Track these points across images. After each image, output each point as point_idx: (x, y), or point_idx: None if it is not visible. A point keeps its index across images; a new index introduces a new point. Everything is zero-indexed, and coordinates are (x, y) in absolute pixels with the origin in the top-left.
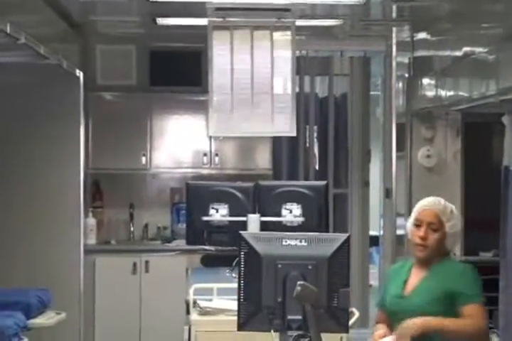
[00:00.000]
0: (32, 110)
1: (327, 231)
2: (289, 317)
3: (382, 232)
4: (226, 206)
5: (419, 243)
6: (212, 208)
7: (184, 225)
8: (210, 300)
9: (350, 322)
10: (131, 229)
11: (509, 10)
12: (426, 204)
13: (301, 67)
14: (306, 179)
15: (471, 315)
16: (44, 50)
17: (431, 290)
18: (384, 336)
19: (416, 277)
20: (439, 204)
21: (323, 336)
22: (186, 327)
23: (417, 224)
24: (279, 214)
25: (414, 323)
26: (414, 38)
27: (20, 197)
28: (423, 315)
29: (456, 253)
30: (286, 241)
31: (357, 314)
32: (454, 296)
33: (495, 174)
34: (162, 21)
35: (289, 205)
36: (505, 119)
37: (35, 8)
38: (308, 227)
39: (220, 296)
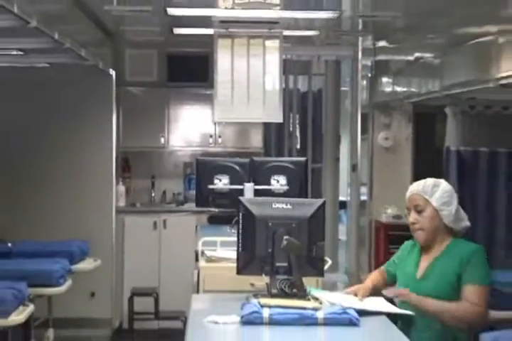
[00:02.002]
0: (75, 101)
1: (306, 197)
2: (277, 264)
3: (349, 198)
4: (227, 177)
5: (412, 228)
6: (216, 178)
7: (194, 191)
8: (215, 250)
9: (325, 268)
10: (152, 194)
11: (450, 24)
12: (409, 190)
13: (287, 68)
14: (290, 156)
15: (467, 297)
16: (84, 53)
17: (443, 274)
18: (354, 291)
19: (426, 260)
20: (418, 185)
21: (304, 279)
22: (196, 272)
23: (408, 212)
24: (268, 184)
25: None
26: (376, 46)
27: (68, 170)
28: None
29: None
30: (275, 205)
31: (329, 262)
32: (460, 281)
33: (438, 153)
34: (177, 31)
35: (276, 176)
36: (447, 110)
37: (78, 19)
38: (292, 194)
39: (223, 247)
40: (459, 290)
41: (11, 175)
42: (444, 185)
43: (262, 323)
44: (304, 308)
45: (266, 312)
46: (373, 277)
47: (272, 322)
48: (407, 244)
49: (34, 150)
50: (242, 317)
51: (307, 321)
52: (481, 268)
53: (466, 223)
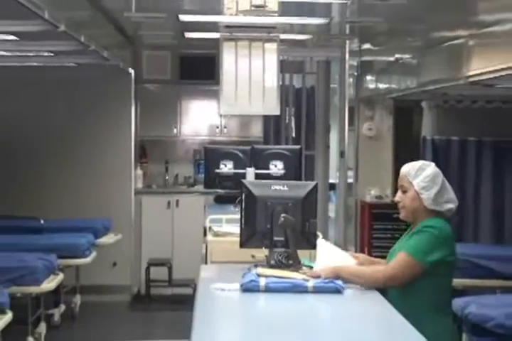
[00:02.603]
0: (99, 96)
1: (301, 180)
2: (275, 238)
3: (337, 181)
4: (231, 162)
5: (398, 206)
6: (222, 163)
7: (202, 175)
8: (221, 226)
9: (317, 241)
10: (166, 177)
11: (426, 28)
12: (402, 170)
13: (283, 67)
14: (286, 144)
15: (392, 261)
16: (107, 54)
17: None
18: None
19: (407, 238)
20: (407, 166)
21: (298, 252)
22: (204, 245)
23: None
24: (267, 168)
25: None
26: (361, 48)
27: (93, 157)
28: None
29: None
30: (273, 187)
31: (321, 236)
32: None
33: (416, 141)
34: (188, 35)
35: (274, 162)
36: (423, 104)
37: (101, 24)
38: (288, 177)
39: (228, 224)
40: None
41: (46, 161)
42: (428, 169)
43: (258, 291)
44: (295, 278)
45: (262, 281)
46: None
47: (268, 289)
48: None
49: (63, 139)
50: (241, 285)
51: (299, 289)
52: (421, 242)
53: (450, 205)
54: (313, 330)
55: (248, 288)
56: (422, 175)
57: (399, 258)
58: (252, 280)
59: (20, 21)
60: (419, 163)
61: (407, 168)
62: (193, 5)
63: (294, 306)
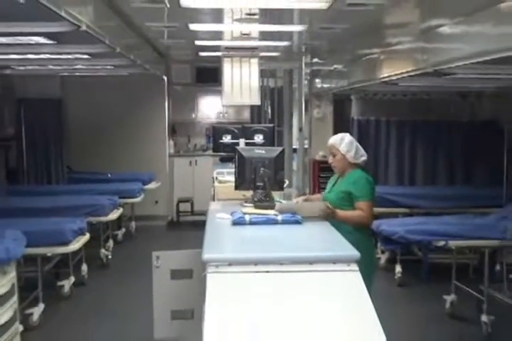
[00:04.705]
0: (144, 94)
1: (273, 146)
2: (257, 184)
3: (298, 146)
4: (230, 135)
5: (331, 166)
6: (224, 136)
7: (211, 144)
8: (223, 176)
9: (284, 186)
10: (189, 146)
11: (353, 47)
12: (328, 142)
13: (262, 74)
14: (265, 123)
15: (359, 208)
16: (149, 66)
17: (337, 191)
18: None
19: (338, 183)
20: (332, 139)
21: (273, 193)
22: (212, 188)
23: (328, 155)
24: (253, 139)
25: (324, 207)
26: (312, 61)
27: (143, 133)
28: (336, 207)
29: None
30: (256, 150)
31: (287, 182)
32: (351, 195)
33: (346, 121)
34: (202, 53)
35: (257, 135)
36: (352, 97)
37: (144, 47)
38: (266, 144)
39: (227, 175)
40: (349, 200)
41: (113, 136)
42: (346, 138)
43: (245, 224)
44: (270, 215)
45: (247, 217)
46: (313, 197)
47: (251, 223)
48: (333, 176)
49: (124, 121)
50: (233, 221)
51: (272, 221)
52: (364, 188)
53: (363, 158)
54: (280, 243)
55: (238, 222)
56: (343, 142)
57: (365, 205)
58: (240, 217)
59: (91, 45)
60: (339, 135)
61: (333, 140)
62: (204, 34)
63: (268, 232)
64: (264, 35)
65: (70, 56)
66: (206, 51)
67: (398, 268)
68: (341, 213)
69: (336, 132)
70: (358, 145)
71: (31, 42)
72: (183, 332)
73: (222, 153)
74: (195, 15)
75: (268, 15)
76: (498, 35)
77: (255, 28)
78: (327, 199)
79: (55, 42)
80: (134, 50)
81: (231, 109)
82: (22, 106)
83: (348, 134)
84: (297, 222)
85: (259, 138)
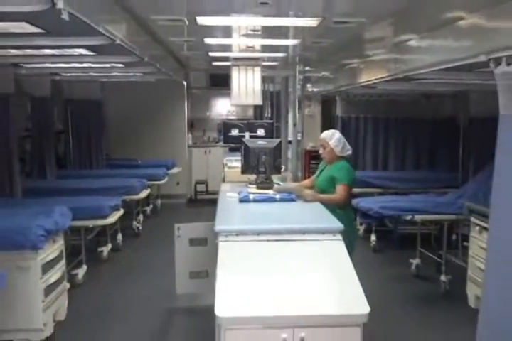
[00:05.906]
0: (168, 97)
1: (272, 138)
2: (260, 169)
3: (292, 138)
4: (237, 129)
5: (321, 156)
6: (232, 130)
7: (222, 137)
8: (232, 163)
9: (281, 170)
10: (204, 138)
11: (338, 58)
12: (320, 136)
13: (264, 80)
14: (266, 119)
15: (338, 190)
16: (172, 74)
17: (325, 176)
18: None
19: (325, 170)
20: (324, 133)
21: (272, 176)
22: (223, 173)
23: (319, 147)
24: (256, 132)
25: (309, 193)
26: (305, 69)
27: (167, 127)
28: (323, 189)
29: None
30: (258, 142)
31: (284, 167)
32: (334, 180)
33: (333, 118)
34: (214, 63)
35: (259, 129)
36: (337, 98)
37: (167, 58)
38: (267, 137)
39: (235, 162)
40: (333, 184)
41: (143, 129)
42: (336, 134)
43: (249, 201)
44: (269, 194)
45: (252, 196)
46: (306, 181)
47: (255, 200)
48: (322, 162)
49: (152, 117)
50: (239, 198)
51: (271, 200)
52: (345, 175)
53: (349, 152)
54: (278, 217)
55: (244, 200)
56: (333, 138)
57: (342, 188)
58: (245, 196)
59: (124, 56)
60: (331, 131)
61: (324, 135)
62: (216, 47)
63: (269, 208)
64: (265, 48)
65: (107, 65)
66: (218, 61)
67: (373, 237)
68: (319, 197)
69: (323, 127)
70: (345, 141)
71: (75, 53)
72: (199, 288)
73: (231, 144)
74: (210, 31)
75: (269, 31)
76: (456, 47)
77: (258, 42)
78: (316, 183)
79: (95, 53)
80: (160, 60)
81: (238, 108)
82: (69, 105)
83: (337, 131)
84: (292, 200)
85: (261, 132)
